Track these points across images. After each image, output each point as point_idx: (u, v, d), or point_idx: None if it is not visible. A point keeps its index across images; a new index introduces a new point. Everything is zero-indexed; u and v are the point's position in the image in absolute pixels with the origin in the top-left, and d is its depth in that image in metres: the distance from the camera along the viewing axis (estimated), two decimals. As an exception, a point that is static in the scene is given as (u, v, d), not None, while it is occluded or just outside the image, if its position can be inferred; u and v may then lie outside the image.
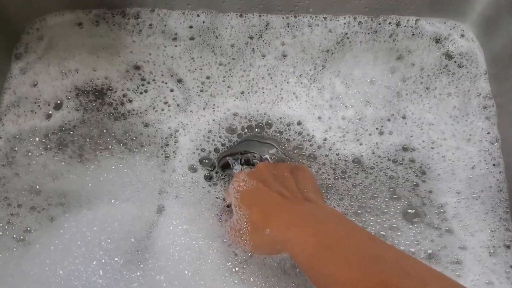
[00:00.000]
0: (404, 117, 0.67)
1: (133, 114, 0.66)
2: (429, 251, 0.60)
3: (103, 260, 0.56)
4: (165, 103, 0.67)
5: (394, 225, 0.61)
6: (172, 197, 0.61)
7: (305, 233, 0.45)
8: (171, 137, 0.65)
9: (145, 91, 0.67)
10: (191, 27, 0.71)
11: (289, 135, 0.65)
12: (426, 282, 0.39)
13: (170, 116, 0.66)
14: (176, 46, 0.70)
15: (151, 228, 0.59)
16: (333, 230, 0.45)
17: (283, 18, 0.71)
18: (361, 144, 0.66)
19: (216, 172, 0.63)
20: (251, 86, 0.68)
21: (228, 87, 0.68)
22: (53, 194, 0.61)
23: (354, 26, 0.71)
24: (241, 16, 0.71)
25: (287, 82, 0.69)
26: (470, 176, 0.64)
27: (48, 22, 0.71)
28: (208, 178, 0.63)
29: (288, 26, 0.71)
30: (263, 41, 0.71)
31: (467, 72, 0.69)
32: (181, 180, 0.62)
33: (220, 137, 0.65)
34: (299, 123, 0.66)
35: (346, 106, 0.68)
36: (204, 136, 0.65)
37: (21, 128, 0.64)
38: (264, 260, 0.57)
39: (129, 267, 0.56)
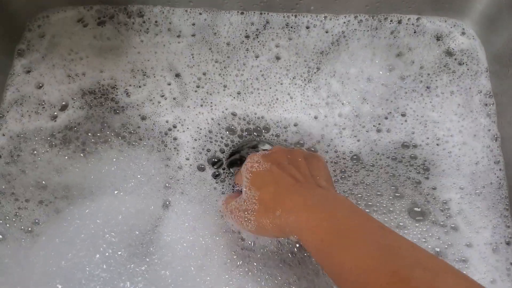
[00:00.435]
0: (403, 115, 0.67)
1: (131, 107, 0.66)
2: (437, 249, 0.60)
3: (107, 253, 0.56)
4: (162, 96, 0.67)
5: (401, 223, 0.61)
6: (178, 193, 0.61)
7: (318, 218, 0.45)
8: (169, 131, 0.65)
9: (144, 85, 0.68)
10: (193, 24, 0.72)
11: (287, 136, 0.66)
12: (438, 273, 0.38)
13: (166, 109, 0.66)
14: (179, 42, 0.71)
15: (156, 222, 0.59)
16: (346, 217, 0.45)
17: (283, 16, 0.72)
18: (358, 141, 0.66)
19: (223, 169, 0.63)
20: (246, 87, 0.69)
21: (224, 86, 0.68)
22: (58, 188, 0.61)
23: (353, 24, 0.72)
24: (242, 13, 0.72)
25: (281, 84, 0.69)
26: (474, 171, 0.64)
27: (50, 19, 0.71)
28: (216, 175, 0.63)
29: (287, 27, 0.72)
30: (258, 41, 0.71)
31: (468, 69, 0.70)
32: (188, 178, 0.62)
33: (222, 137, 0.65)
34: (295, 125, 0.66)
35: (342, 104, 0.68)
36: (206, 135, 0.65)
37: (25, 128, 0.64)
38: (268, 252, 0.57)
39: (133, 261, 0.56)
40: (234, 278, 0.55)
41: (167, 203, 0.60)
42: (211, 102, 0.67)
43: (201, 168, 0.63)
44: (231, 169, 0.63)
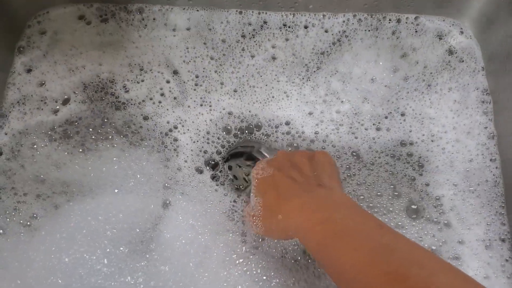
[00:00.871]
0: (403, 114, 0.68)
1: (132, 104, 0.67)
2: (433, 247, 0.60)
3: (108, 249, 0.56)
4: (162, 94, 0.68)
5: (400, 223, 0.62)
6: (178, 193, 0.61)
7: (314, 220, 0.46)
8: (170, 132, 0.66)
9: (142, 81, 0.68)
10: (188, 19, 0.72)
11: (277, 137, 0.66)
12: (435, 272, 0.38)
13: (167, 109, 0.67)
14: (174, 36, 0.71)
15: (156, 220, 0.59)
16: (343, 218, 0.45)
17: (281, 16, 0.72)
18: (356, 138, 0.66)
19: (220, 171, 0.64)
20: (242, 84, 0.69)
21: (221, 83, 0.69)
22: (56, 183, 0.61)
23: (353, 23, 0.72)
24: (240, 12, 0.72)
25: (278, 81, 0.69)
26: (468, 169, 0.65)
27: (51, 16, 0.71)
28: (213, 177, 0.63)
29: (284, 27, 0.72)
30: (255, 41, 0.71)
31: (467, 66, 0.70)
32: (187, 179, 0.63)
33: (218, 138, 0.66)
34: (287, 123, 0.67)
35: (342, 102, 0.68)
36: (204, 137, 0.66)
37: (27, 124, 0.65)
38: (267, 253, 0.58)
39: (133, 257, 0.57)
40: (232, 276, 0.56)
41: (167, 202, 0.61)
42: (210, 102, 0.68)
43: (199, 170, 0.63)
44: (229, 172, 0.64)
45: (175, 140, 0.65)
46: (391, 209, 0.62)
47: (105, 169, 0.62)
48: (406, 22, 0.72)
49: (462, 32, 0.72)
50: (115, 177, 0.62)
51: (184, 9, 0.72)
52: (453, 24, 0.72)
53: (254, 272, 0.57)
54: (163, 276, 0.56)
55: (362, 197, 0.63)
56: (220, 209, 0.61)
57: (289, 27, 0.72)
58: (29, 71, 0.68)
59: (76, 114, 0.66)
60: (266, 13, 0.72)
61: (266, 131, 0.66)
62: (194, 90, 0.68)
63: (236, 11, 0.72)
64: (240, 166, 0.63)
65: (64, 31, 0.71)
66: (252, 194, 0.54)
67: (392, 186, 0.64)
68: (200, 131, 0.66)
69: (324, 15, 0.72)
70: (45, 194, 0.60)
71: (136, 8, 0.72)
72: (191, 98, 0.68)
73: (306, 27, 0.72)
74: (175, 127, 0.66)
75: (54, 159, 0.63)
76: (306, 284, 0.57)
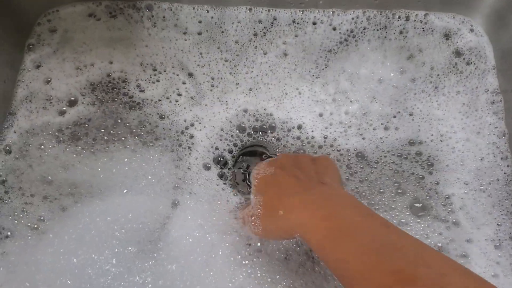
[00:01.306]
0: (411, 114, 0.68)
1: (147, 103, 0.67)
2: (439, 244, 0.60)
3: (116, 250, 0.57)
4: (179, 94, 0.68)
5: (403, 220, 0.61)
6: (186, 193, 0.62)
7: (318, 217, 0.45)
8: (186, 130, 0.66)
9: (157, 81, 0.68)
10: (200, 22, 0.72)
11: (287, 141, 0.66)
12: (443, 272, 0.38)
13: (185, 108, 0.67)
14: (186, 40, 0.71)
15: (165, 221, 0.60)
16: (348, 215, 0.45)
17: (290, 13, 0.72)
18: (363, 139, 0.66)
19: (229, 169, 0.64)
20: (257, 83, 0.69)
21: (237, 84, 0.69)
22: (64, 184, 0.61)
23: (362, 21, 0.71)
24: (250, 10, 0.72)
25: (290, 78, 0.69)
26: (479, 167, 0.65)
27: (60, 14, 0.71)
28: (222, 176, 0.63)
29: (293, 23, 0.71)
30: (266, 39, 0.71)
31: (476, 68, 0.70)
32: (195, 177, 0.63)
33: (231, 136, 0.66)
34: (299, 127, 0.67)
35: (351, 101, 0.68)
36: (217, 134, 0.66)
37: (34, 124, 0.65)
38: (273, 255, 0.58)
39: (141, 257, 0.57)
40: (237, 277, 0.56)
41: (176, 202, 0.61)
42: (227, 101, 0.68)
43: (207, 167, 0.64)
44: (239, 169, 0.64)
45: (191, 137, 0.65)
46: (393, 206, 0.62)
47: (115, 170, 0.62)
48: (415, 20, 0.71)
49: (472, 30, 0.71)
50: (125, 178, 0.62)
51: (193, 8, 0.72)
52: (463, 22, 0.72)
53: (259, 274, 0.57)
54: (170, 275, 0.56)
55: (363, 194, 0.63)
56: (227, 208, 0.61)
57: (298, 23, 0.71)
58: (38, 67, 0.68)
59: (85, 116, 0.66)
60: (275, 10, 0.72)
61: (278, 135, 0.66)
62: (211, 91, 0.68)
63: (246, 8, 0.72)
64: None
65: (74, 29, 0.71)
66: (252, 194, 0.54)
67: (396, 184, 0.63)
68: (214, 128, 0.66)
69: (333, 12, 0.71)
70: (52, 196, 0.61)
71: (145, 6, 0.72)
72: (208, 98, 0.68)
73: (314, 23, 0.71)
74: (192, 125, 0.66)
75: (62, 160, 0.63)
76: (314, 285, 0.57)
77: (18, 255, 0.57)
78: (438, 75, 0.70)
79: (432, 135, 0.66)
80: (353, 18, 0.71)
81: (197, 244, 0.58)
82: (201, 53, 0.70)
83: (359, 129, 0.67)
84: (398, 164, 0.65)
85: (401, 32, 0.71)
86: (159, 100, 0.67)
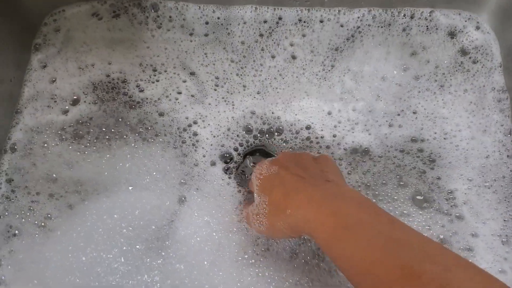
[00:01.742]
0: (414, 112, 0.68)
1: (147, 102, 0.67)
2: (441, 236, 0.60)
3: (124, 248, 0.57)
4: (178, 92, 0.68)
5: (405, 211, 0.62)
6: (193, 189, 0.62)
7: (324, 213, 0.45)
8: (189, 127, 0.66)
9: (157, 81, 0.69)
10: (207, 23, 0.72)
11: (295, 144, 0.66)
12: (449, 267, 0.38)
13: (185, 106, 0.67)
14: (191, 41, 0.71)
15: (172, 217, 0.60)
16: (354, 211, 0.45)
17: (296, 11, 0.72)
18: (370, 134, 0.66)
19: (235, 162, 0.64)
20: (266, 87, 0.69)
21: (244, 86, 0.69)
22: (69, 182, 0.61)
23: (367, 19, 0.71)
24: (255, 9, 0.72)
25: (299, 82, 0.69)
26: (484, 165, 0.64)
27: (66, 14, 0.71)
28: (228, 171, 0.64)
29: (300, 22, 0.72)
30: (273, 40, 0.71)
31: (482, 67, 0.70)
32: (202, 173, 0.63)
33: (237, 135, 0.66)
34: (308, 127, 0.67)
35: (357, 99, 0.68)
36: (224, 133, 0.66)
37: (39, 122, 0.65)
38: (279, 254, 0.58)
39: (149, 255, 0.57)
40: (245, 276, 0.56)
41: (183, 199, 0.61)
42: (233, 101, 0.68)
43: (213, 164, 0.64)
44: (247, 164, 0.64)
45: (195, 134, 0.65)
46: (395, 197, 0.62)
47: (119, 167, 0.62)
48: (420, 18, 0.71)
49: (478, 27, 0.71)
50: (129, 174, 0.62)
51: (199, 7, 0.72)
52: (469, 18, 0.71)
53: (267, 273, 0.57)
54: (178, 274, 0.56)
55: (368, 184, 0.63)
56: (234, 205, 0.61)
57: (304, 21, 0.72)
58: (44, 67, 0.69)
59: (86, 115, 0.66)
60: (281, 8, 0.72)
61: (285, 137, 0.66)
62: (215, 90, 0.69)
63: (251, 7, 0.72)
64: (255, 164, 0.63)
65: (76, 28, 0.71)
66: (255, 194, 0.54)
67: (398, 177, 0.64)
68: (221, 127, 0.66)
69: (339, 10, 0.72)
70: (58, 194, 0.61)
71: (150, 5, 0.72)
72: (211, 97, 0.68)
73: (321, 21, 0.72)
74: (195, 122, 0.66)
75: (65, 158, 0.63)
76: (319, 283, 0.57)
77: (26, 253, 0.57)
78: (444, 73, 0.70)
79: (435, 133, 0.66)
80: (358, 17, 0.71)
81: (205, 243, 0.58)
82: (205, 54, 0.71)
83: (365, 125, 0.67)
84: (400, 159, 0.65)
85: (404, 30, 0.71)
86: (158, 99, 0.67)
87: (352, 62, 0.70)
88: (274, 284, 0.56)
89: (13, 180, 0.61)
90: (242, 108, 0.68)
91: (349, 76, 0.69)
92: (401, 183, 0.63)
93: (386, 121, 0.67)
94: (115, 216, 0.58)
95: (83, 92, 0.67)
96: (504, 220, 0.62)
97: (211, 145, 0.65)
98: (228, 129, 0.66)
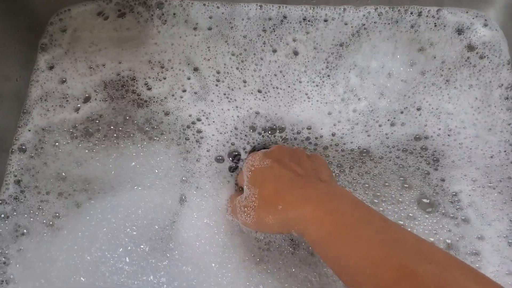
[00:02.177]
0: (419, 109, 0.67)
1: (154, 101, 0.67)
2: (448, 241, 0.60)
3: (129, 247, 0.57)
4: (183, 90, 0.68)
5: (411, 214, 0.61)
6: (194, 188, 0.62)
7: (322, 211, 0.45)
8: (193, 125, 0.66)
9: (164, 78, 0.69)
10: (210, 17, 0.72)
11: (297, 144, 0.66)
12: (445, 267, 0.38)
13: (189, 103, 0.67)
14: (195, 35, 0.71)
15: (174, 217, 0.60)
16: (351, 210, 0.45)
17: (301, 10, 0.71)
18: (369, 136, 0.66)
19: (242, 160, 0.64)
20: (266, 85, 0.69)
21: (244, 81, 0.69)
22: (77, 180, 0.62)
23: (373, 17, 0.71)
24: (260, 7, 0.72)
25: (300, 82, 0.69)
26: (488, 165, 0.64)
27: (72, 13, 0.72)
28: (233, 169, 0.64)
29: (304, 20, 0.71)
30: (275, 35, 0.71)
31: (489, 62, 0.69)
32: (204, 169, 0.63)
33: (241, 132, 0.66)
34: (309, 128, 0.67)
35: (359, 99, 0.68)
36: (225, 129, 0.66)
37: (50, 122, 0.66)
38: (284, 252, 0.58)
39: (154, 255, 0.57)
40: (253, 276, 0.56)
41: (183, 197, 0.61)
42: (235, 99, 0.68)
43: (220, 160, 0.64)
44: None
45: (199, 131, 0.66)
46: (400, 200, 0.62)
47: (125, 166, 0.63)
48: (427, 16, 0.71)
49: (486, 25, 0.70)
50: (133, 173, 0.62)
51: (204, 4, 0.72)
52: (476, 16, 0.71)
53: (275, 270, 0.57)
54: (186, 276, 0.56)
55: (367, 185, 0.63)
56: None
57: (309, 20, 0.71)
58: (51, 68, 0.69)
59: (97, 112, 0.66)
60: (286, 7, 0.71)
61: (286, 135, 0.66)
62: (216, 85, 0.69)
63: (256, 4, 0.72)
64: None
65: (83, 28, 0.71)
66: (245, 185, 0.53)
67: (402, 178, 0.63)
68: (227, 124, 0.66)
69: (344, 9, 0.71)
70: (66, 192, 0.61)
71: (155, 3, 0.72)
72: (213, 93, 0.68)
73: (325, 20, 0.71)
74: (199, 119, 0.66)
75: (75, 156, 0.64)
76: (325, 277, 0.57)
77: (34, 251, 0.58)
78: (450, 68, 0.69)
79: (439, 129, 0.66)
80: (364, 15, 0.71)
81: (209, 245, 0.58)
82: (208, 47, 0.71)
83: (365, 125, 0.66)
84: (403, 159, 0.64)
85: (412, 26, 0.71)
86: (165, 97, 0.68)
87: (359, 56, 0.70)
88: (283, 281, 0.56)
89: (22, 181, 0.62)
90: (246, 107, 0.68)
91: (355, 72, 0.69)
92: (406, 185, 0.63)
93: (388, 120, 0.67)
94: (119, 215, 0.59)
95: (94, 90, 0.68)
96: (510, 221, 0.61)
97: (218, 141, 0.65)
98: (230, 125, 0.66)
